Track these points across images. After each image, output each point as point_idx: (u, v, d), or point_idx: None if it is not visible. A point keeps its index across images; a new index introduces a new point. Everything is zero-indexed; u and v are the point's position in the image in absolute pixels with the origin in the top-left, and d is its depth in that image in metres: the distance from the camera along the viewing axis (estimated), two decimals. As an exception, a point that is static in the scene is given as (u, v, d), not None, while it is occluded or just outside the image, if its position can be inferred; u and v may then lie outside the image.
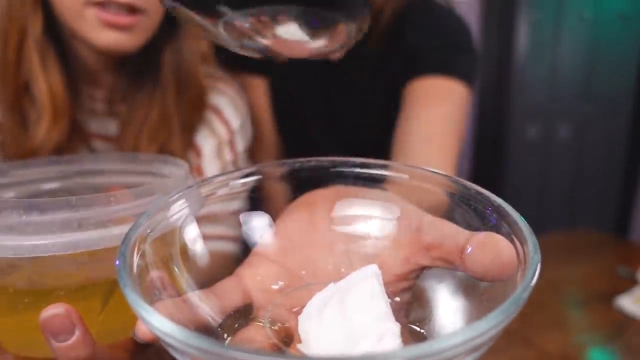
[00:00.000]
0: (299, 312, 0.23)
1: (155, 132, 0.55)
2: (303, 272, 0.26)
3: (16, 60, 0.50)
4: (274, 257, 0.27)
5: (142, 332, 0.21)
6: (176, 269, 0.24)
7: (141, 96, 0.56)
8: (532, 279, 0.18)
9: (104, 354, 0.23)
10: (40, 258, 0.26)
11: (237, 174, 0.28)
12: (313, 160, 0.29)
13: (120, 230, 0.27)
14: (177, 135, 0.56)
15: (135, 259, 0.21)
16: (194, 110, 0.58)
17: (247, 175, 0.28)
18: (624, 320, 0.91)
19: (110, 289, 0.29)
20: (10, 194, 0.37)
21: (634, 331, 0.88)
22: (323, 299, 0.23)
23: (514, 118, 2.01)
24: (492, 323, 0.16)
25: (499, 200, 0.24)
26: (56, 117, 0.51)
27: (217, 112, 0.60)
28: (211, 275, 0.26)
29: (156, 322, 0.17)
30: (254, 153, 0.67)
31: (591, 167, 2.18)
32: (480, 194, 0.25)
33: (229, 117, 0.60)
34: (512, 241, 0.21)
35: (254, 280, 0.26)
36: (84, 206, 0.26)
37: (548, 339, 0.84)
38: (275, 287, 0.26)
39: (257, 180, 0.28)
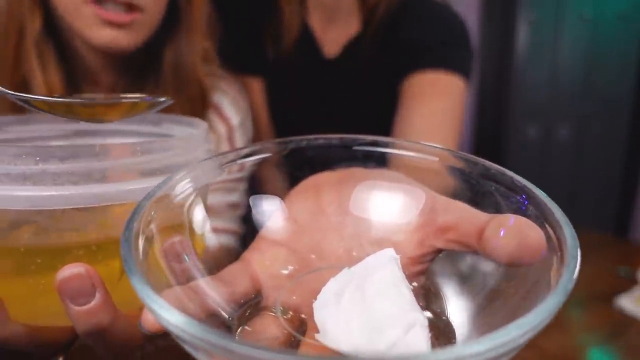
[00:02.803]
0: (311, 299, 0.21)
1: None
2: (312, 255, 0.25)
3: (15, 57, 0.50)
4: (281, 240, 0.25)
5: (149, 322, 0.19)
6: (185, 255, 0.22)
7: None
8: (574, 268, 0.17)
9: (124, 322, 0.21)
10: (57, 212, 0.23)
11: (243, 151, 0.26)
12: (321, 138, 0.27)
13: (149, 183, 0.24)
14: None
15: (141, 244, 0.19)
16: (194, 111, 0.58)
17: (251, 154, 0.26)
18: (624, 320, 0.90)
19: None
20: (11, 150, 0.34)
21: (634, 331, 0.88)
22: (339, 285, 0.21)
23: (514, 118, 2.00)
24: (539, 319, 0.15)
25: (523, 181, 0.22)
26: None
27: (217, 109, 0.60)
28: (218, 261, 0.24)
29: (166, 314, 0.15)
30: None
31: (591, 167, 2.18)
32: (503, 174, 0.23)
33: (229, 114, 0.60)
34: (541, 225, 0.20)
35: (263, 265, 0.24)
36: (109, 155, 0.23)
37: (548, 339, 0.84)
38: (284, 272, 0.24)
39: (263, 158, 0.27)
